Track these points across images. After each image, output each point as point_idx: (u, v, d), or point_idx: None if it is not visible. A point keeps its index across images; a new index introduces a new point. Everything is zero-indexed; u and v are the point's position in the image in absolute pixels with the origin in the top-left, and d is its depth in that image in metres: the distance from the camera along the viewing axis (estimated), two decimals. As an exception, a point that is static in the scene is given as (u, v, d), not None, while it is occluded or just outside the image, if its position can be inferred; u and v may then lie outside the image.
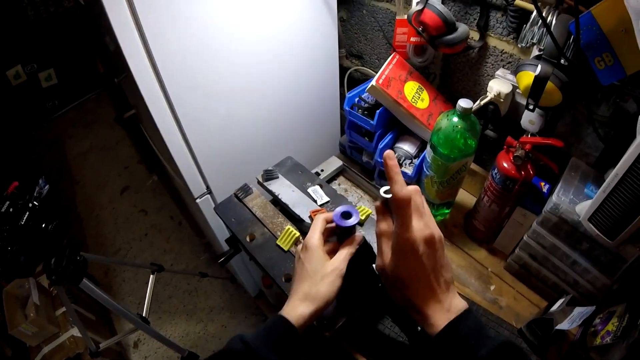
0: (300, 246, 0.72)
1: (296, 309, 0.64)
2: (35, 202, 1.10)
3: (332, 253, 0.71)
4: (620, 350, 0.73)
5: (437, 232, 0.61)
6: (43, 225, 1.12)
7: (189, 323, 2.16)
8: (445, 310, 0.59)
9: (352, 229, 0.71)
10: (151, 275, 1.63)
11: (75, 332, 1.79)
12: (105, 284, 2.35)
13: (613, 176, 0.70)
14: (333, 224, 0.72)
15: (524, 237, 0.96)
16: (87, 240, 2.59)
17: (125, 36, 0.89)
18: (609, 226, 0.75)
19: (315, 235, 0.70)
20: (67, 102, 3.42)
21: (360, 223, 0.98)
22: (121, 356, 2.01)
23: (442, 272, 0.61)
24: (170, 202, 2.72)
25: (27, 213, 1.08)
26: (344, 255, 0.69)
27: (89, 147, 3.17)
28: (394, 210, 0.60)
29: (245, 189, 1.06)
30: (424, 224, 0.59)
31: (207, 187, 1.29)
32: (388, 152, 0.62)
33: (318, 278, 0.66)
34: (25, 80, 3.05)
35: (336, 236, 0.74)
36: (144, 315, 1.46)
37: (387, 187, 0.63)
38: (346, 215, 0.71)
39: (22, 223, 1.06)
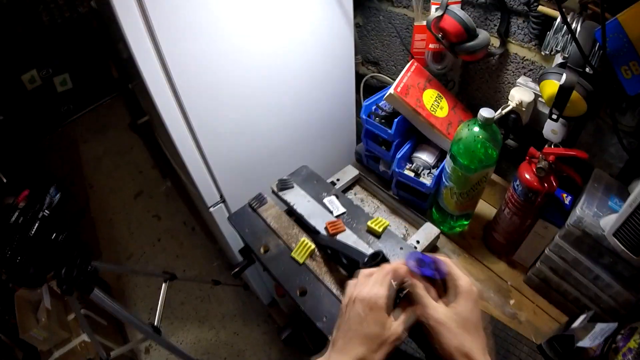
0: (354, 291, 0.60)
1: None
2: (45, 212, 1.10)
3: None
4: None
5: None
6: (53, 236, 1.11)
7: (201, 330, 2.15)
8: None
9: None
10: (163, 284, 1.62)
11: (86, 337, 1.78)
12: (117, 289, 2.35)
13: None
14: (403, 277, 0.60)
15: (546, 251, 0.94)
16: (100, 245, 2.59)
17: (138, 43, 0.89)
18: (635, 242, 0.72)
19: (382, 293, 0.57)
20: (82, 106, 3.45)
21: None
22: (133, 361, 2.01)
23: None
24: (184, 207, 2.72)
25: (37, 223, 1.07)
26: (405, 319, 0.58)
27: (103, 151, 3.18)
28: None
29: (260, 199, 1.05)
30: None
31: (221, 196, 1.28)
32: (403, 270, 0.59)
33: (376, 344, 0.55)
34: (40, 84, 3.07)
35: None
36: (155, 324, 1.45)
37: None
38: (422, 262, 0.60)
39: (32, 233, 1.06)
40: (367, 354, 0.55)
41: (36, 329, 1.65)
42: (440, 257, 0.60)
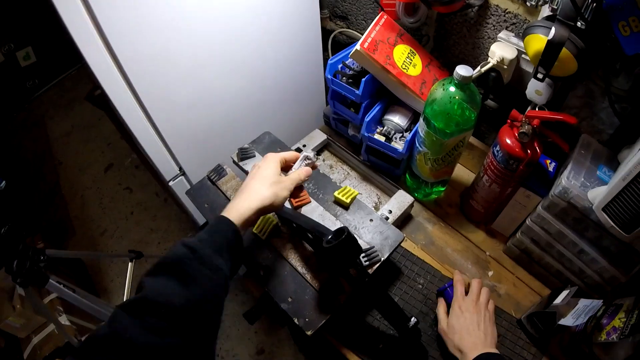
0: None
1: (239, 205, 0.69)
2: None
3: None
4: (626, 347, 0.72)
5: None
6: (-3, 229, 1.08)
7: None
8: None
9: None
10: (129, 263, 1.56)
11: (63, 320, 1.77)
12: (93, 266, 2.32)
13: (636, 164, 0.64)
14: (292, 158, 0.83)
15: (527, 221, 0.91)
16: (73, 223, 2.55)
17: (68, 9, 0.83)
18: (626, 219, 0.69)
19: (278, 154, 0.80)
20: (47, 80, 3.40)
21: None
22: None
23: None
24: (154, 178, 2.67)
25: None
26: (293, 177, 0.79)
27: (71, 127, 3.12)
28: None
29: (219, 171, 1.00)
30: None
31: (180, 169, 1.23)
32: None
33: (268, 181, 0.73)
34: (2, 60, 3.01)
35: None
36: (123, 306, 1.39)
37: None
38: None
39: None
40: (260, 187, 0.72)
41: (12, 316, 1.64)
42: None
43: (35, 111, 3.26)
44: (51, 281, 1.20)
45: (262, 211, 0.70)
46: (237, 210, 0.67)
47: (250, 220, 0.69)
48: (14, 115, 3.22)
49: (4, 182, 1.10)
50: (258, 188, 0.71)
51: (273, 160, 0.77)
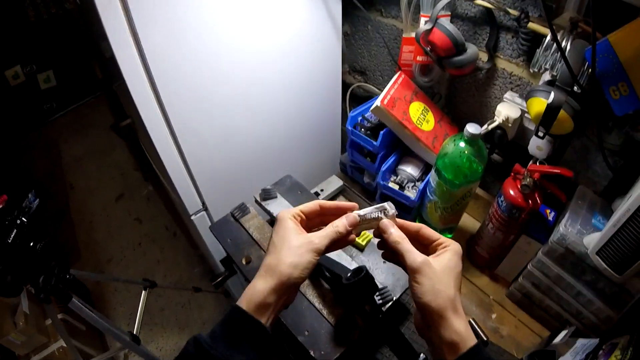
0: None
1: (252, 289, 0.55)
2: (23, 219, 1.05)
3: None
4: None
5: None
6: (31, 244, 1.07)
7: (181, 336, 2.12)
8: (465, 322, 0.53)
9: None
10: (143, 292, 1.59)
11: (62, 343, 1.74)
12: (97, 293, 2.31)
13: (624, 211, 0.69)
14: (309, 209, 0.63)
15: (528, 266, 0.94)
16: (80, 247, 2.54)
17: (120, 43, 0.87)
18: (618, 261, 0.73)
19: (290, 210, 0.61)
20: (64, 105, 3.39)
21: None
22: (111, 368, 1.96)
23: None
24: (165, 211, 2.68)
25: (15, 231, 1.03)
26: (327, 231, 0.59)
27: (85, 151, 3.12)
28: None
29: (242, 208, 1.03)
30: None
31: (203, 204, 1.26)
32: (383, 223, 0.60)
33: (284, 248, 0.56)
34: (23, 81, 3.02)
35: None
36: (134, 332, 1.42)
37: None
38: None
39: (10, 241, 1.02)
40: (272, 259, 0.56)
41: (14, 333, 1.62)
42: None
43: (50, 133, 3.25)
44: (74, 299, 1.20)
45: (281, 289, 0.55)
46: (250, 296, 0.54)
47: (268, 304, 0.54)
48: (28, 135, 3.21)
49: (37, 200, 1.14)
50: (269, 263, 0.56)
51: (283, 219, 0.59)
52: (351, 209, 0.62)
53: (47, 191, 2.80)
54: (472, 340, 0.52)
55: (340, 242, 0.60)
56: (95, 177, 2.95)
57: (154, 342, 2.10)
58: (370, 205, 0.63)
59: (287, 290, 0.56)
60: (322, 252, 0.58)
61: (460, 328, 0.52)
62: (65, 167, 3.03)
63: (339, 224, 0.60)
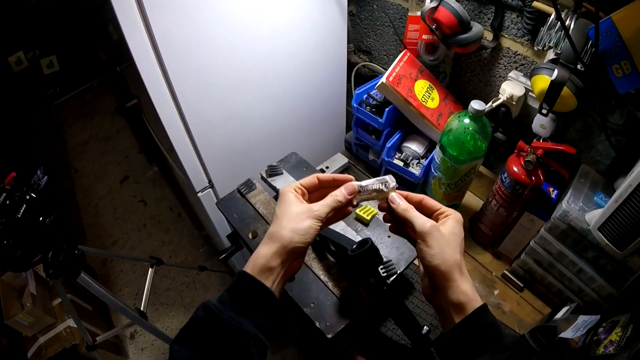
0: None
1: (256, 255, 0.59)
2: (32, 194, 1.06)
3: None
4: (623, 359, 0.72)
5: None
6: (41, 219, 1.08)
7: (186, 316, 2.14)
8: (471, 284, 0.56)
9: None
10: (150, 269, 1.60)
11: (71, 322, 1.77)
12: (103, 274, 2.34)
13: (626, 187, 0.70)
14: (308, 183, 0.65)
15: (531, 243, 0.96)
16: (85, 230, 2.56)
17: (130, 25, 0.87)
18: (619, 237, 0.74)
19: (290, 185, 0.65)
20: (68, 89, 3.40)
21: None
22: (117, 347, 1.99)
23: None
24: (170, 193, 2.70)
25: (25, 206, 1.04)
26: (327, 200, 0.62)
27: (89, 136, 3.14)
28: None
29: (249, 185, 1.03)
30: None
31: (209, 181, 1.27)
32: (392, 196, 0.63)
33: (285, 217, 0.60)
34: (26, 66, 3.02)
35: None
36: (142, 309, 1.44)
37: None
38: None
39: (19, 216, 1.02)
40: (275, 227, 0.60)
41: (21, 314, 1.64)
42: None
43: (54, 118, 3.27)
44: (82, 274, 1.21)
45: (284, 253, 0.58)
46: (255, 260, 0.58)
47: (272, 267, 0.57)
48: (32, 120, 3.22)
49: (45, 176, 1.14)
50: (272, 230, 0.60)
51: (284, 193, 0.63)
52: (346, 181, 0.65)
53: (53, 177, 2.81)
54: (478, 302, 0.54)
55: (340, 211, 0.63)
56: (99, 161, 2.97)
57: (160, 321, 2.12)
58: None
59: (290, 254, 0.59)
60: (323, 220, 0.60)
61: (467, 289, 0.54)
62: (70, 151, 3.05)
63: (338, 193, 0.62)
